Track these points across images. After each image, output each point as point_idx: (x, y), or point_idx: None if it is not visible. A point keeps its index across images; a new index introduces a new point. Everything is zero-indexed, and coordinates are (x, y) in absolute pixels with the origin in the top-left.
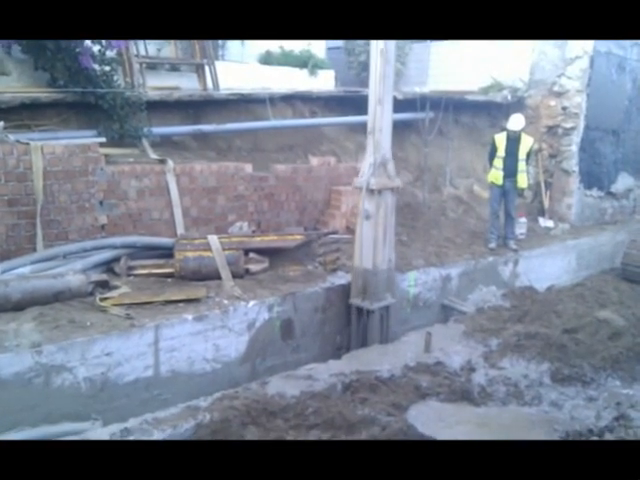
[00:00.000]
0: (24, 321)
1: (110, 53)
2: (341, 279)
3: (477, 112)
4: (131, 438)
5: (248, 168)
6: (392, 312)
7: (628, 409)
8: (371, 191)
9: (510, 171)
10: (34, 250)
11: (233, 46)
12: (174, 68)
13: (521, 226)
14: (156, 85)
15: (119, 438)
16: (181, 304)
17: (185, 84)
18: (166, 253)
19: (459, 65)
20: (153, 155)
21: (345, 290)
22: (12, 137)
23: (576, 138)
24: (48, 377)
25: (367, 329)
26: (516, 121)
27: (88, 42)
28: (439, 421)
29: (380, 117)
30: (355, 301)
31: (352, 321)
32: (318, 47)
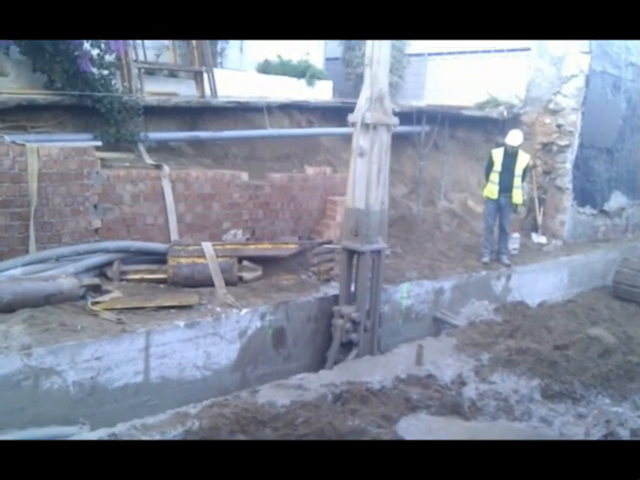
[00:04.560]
0: (14, 323)
1: (109, 57)
2: (334, 289)
3: (473, 127)
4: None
5: (244, 176)
6: (383, 259)
7: (617, 427)
8: (366, 126)
9: (506, 186)
10: (26, 252)
11: (232, 54)
12: (172, 74)
13: (514, 241)
14: (154, 90)
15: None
16: (173, 310)
17: (183, 91)
18: (159, 259)
19: (456, 80)
20: (149, 160)
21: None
22: (8, 138)
23: (570, 156)
24: (37, 380)
25: (358, 273)
26: (515, 137)
27: (87, 45)
28: (429, 434)
29: (378, 48)
30: (346, 243)
31: (342, 266)
32: (316, 57)
